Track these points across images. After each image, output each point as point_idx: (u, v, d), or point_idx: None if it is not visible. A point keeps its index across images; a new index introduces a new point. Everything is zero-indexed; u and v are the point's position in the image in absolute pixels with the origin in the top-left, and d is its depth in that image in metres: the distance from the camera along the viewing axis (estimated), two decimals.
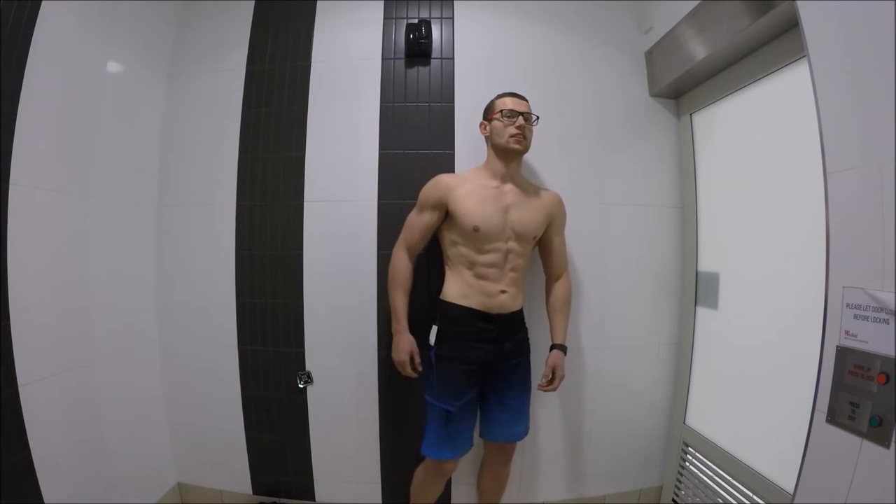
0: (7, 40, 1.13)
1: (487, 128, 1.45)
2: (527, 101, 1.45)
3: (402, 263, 1.44)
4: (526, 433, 1.50)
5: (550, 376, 1.42)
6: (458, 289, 1.41)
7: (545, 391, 1.44)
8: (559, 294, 1.51)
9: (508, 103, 1.41)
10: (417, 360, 1.41)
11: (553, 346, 1.46)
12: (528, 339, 1.52)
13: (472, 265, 1.40)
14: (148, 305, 1.71)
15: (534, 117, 1.45)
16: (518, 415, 1.48)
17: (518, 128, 1.38)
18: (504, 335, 1.42)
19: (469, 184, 1.42)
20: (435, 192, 1.41)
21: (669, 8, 1.56)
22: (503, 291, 1.39)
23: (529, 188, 1.49)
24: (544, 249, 1.52)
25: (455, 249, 1.42)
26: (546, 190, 1.54)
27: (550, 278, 1.53)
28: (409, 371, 1.41)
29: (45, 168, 1.27)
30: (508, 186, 1.43)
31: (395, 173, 1.67)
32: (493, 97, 1.48)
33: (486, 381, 1.44)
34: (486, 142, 1.47)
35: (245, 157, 1.72)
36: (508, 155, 1.41)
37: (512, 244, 1.40)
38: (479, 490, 1.63)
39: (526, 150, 1.42)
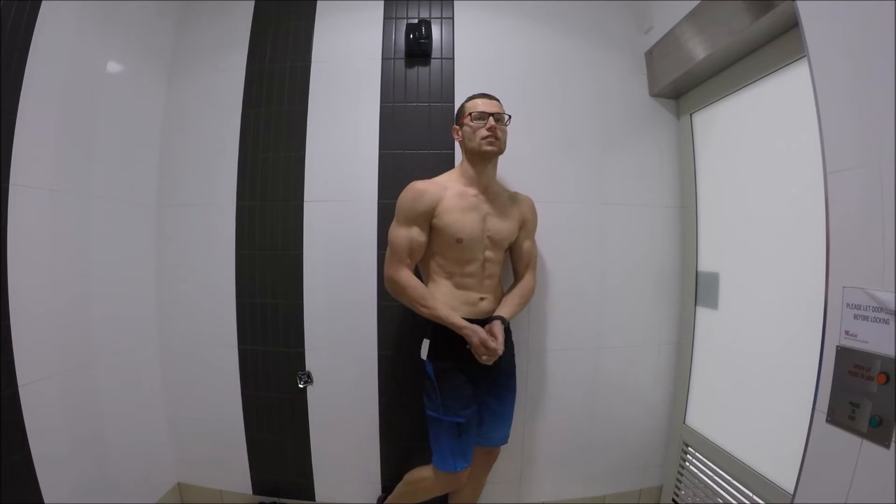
0: (7, 40, 1.13)
1: (460, 132, 1.41)
2: (498, 100, 1.42)
3: (411, 279, 1.34)
4: (509, 434, 1.51)
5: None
6: (445, 300, 1.37)
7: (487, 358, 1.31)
8: (523, 287, 1.48)
9: (479, 105, 1.38)
10: (494, 334, 1.32)
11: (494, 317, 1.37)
12: (511, 338, 1.50)
13: (450, 275, 1.38)
14: (148, 305, 1.71)
15: (506, 117, 1.41)
16: (506, 416, 1.48)
17: (489, 129, 1.34)
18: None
19: (450, 192, 1.37)
20: (420, 203, 1.33)
21: (669, 8, 1.56)
22: (482, 299, 1.39)
23: (504, 194, 1.48)
24: (514, 252, 1.51)
25: (434, 261, 1.40)
26: (519, 194, 1.52)
27: (517, 278, 1.52)
28: (498, 346, 1.30)
29: (45, 168, 1.27)
30: (485, 194, 1.41)
31: (395, 173, 1.67)
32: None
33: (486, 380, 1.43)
34: (461, 147, 1.44)
35: (245, 157, 1.72)
36: (483, 157, 1.38)
37: (489, 253, 1.39)
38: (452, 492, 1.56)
39: (500, 150, 1.39)
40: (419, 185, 1.36)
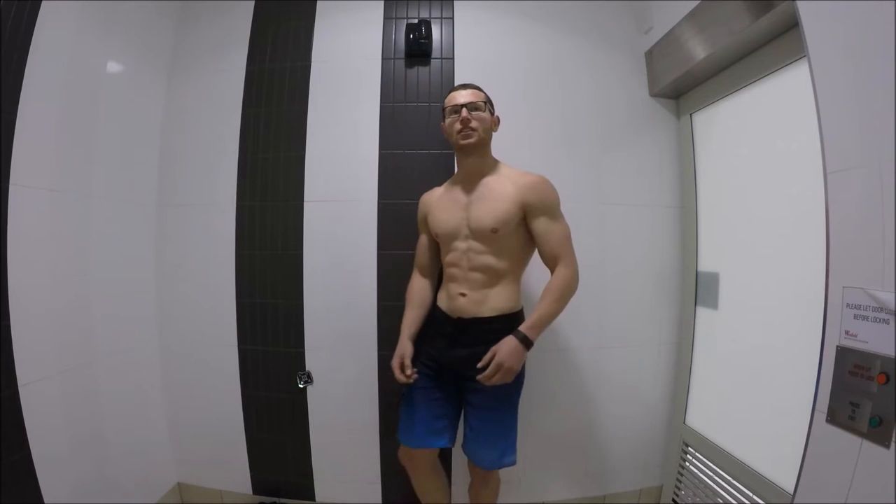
0: (7, 40, 1.13)
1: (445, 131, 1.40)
2: (476, 87, 1.37)
3: (413, 283, 1.51)
4: (499, 464, 1.31)
5: (488, 363, 1.21)
6: (441, 291, 1.45)
7: (481, 381, 1.22)
8: (550, 283, 1.28)
9: (453, 98, 1.35)
10: (407, 362, 1.37)
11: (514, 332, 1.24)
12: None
13: (444, 267, 1.42)
14: (148, 305, 1.71)
15: (482, 104, 1.33)
16: (485, 437, 1.32)
17: (462, 122, 1.30)
18: (458, 342, 1.33)
19: (436, 193, 1.46)
20: (419, 212, 1.49)
21: (669, 8, 1.56)
22: (462, 294, 1.32)
23: (498, 179, 1.34)
24: (536, 242, 1.33)
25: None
26: (525, 174, 1.34)
27: (549, 269, 1.32)
28: (398, 374, 1.36)
29: (45, 168, 1.27)
30: (472, 183, 1.36)
31: (395, 173, 1.67)
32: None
33: (462, 389, 1.39)
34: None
35: (245, 157, 1.72)
36: (463, 151, 1.34)
37: (471, 243, 1.32)
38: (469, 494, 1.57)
39: (479, 140, 1.31)
40: (422, 196, 1.50)
